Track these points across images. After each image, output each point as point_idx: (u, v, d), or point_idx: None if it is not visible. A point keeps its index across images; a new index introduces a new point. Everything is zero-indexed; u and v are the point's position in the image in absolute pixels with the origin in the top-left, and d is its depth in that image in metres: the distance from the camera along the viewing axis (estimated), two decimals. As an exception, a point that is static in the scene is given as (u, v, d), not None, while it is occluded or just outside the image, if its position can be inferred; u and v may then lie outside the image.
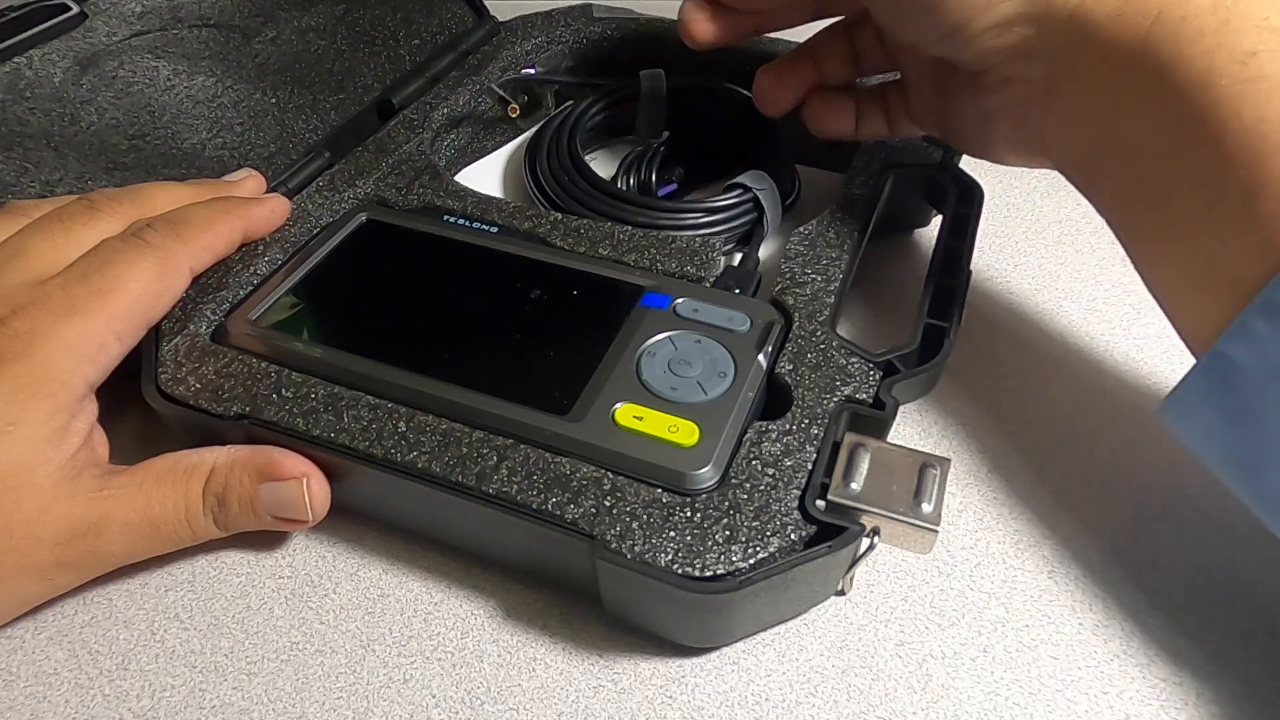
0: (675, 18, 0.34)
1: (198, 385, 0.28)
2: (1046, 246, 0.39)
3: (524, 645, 0.26)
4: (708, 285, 0.31)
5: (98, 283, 0.27)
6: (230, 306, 0.31)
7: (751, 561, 0.23)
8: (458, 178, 0.40)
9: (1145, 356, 0.34)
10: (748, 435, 0.26)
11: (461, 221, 0.35)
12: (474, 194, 0.36)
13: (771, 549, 0.23)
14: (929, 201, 0.37)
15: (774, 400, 0.28)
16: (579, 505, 0.24)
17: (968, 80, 0.29)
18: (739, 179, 0.36)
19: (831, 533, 0.23)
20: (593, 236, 0.33)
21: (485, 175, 0.43)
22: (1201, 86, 0.21)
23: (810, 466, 0.25)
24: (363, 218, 0.35)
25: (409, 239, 0.34)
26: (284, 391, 0.28)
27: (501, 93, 0.42)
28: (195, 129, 0.38)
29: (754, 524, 0.24)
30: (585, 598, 0.26)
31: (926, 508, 0.24)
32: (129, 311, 0.27)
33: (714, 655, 0.25)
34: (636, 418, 0.26)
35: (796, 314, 0.30)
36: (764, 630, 0.26)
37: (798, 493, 0.24)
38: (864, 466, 0.25)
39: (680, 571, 0.23)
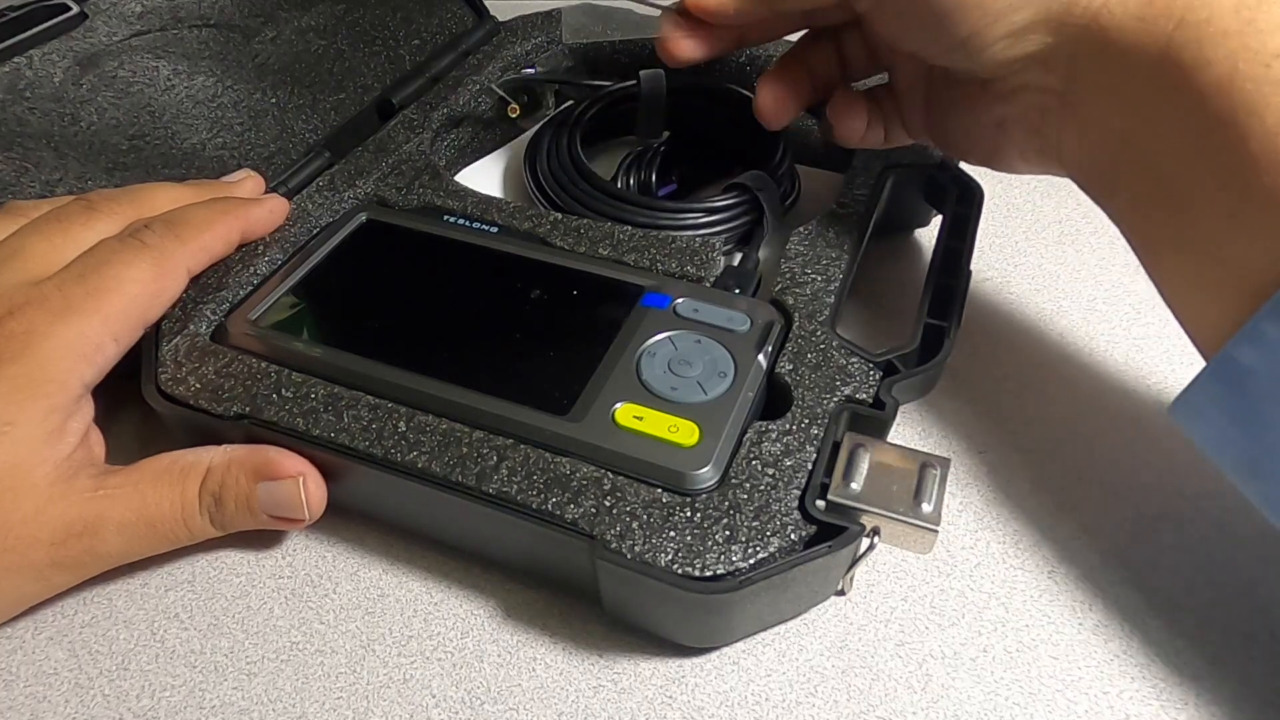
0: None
1: (198, 385, 0.28)
2: (1046, 246, 0.39)
3: (524, 645, 0.26)
4: (708, 285, 0.31)
5: (95, 283, 0.27)
6: (230, 306, 0.31)
7: (751, 561, 0.23)
8: (458, 178, 0.40)
9: (1145, 357, 0.34)
10: (748, 435, 0.26)
11: (461, 221, 0.35)
12: (474, 194, 0.36)
13: (771, 549, 0.23)
14: (929, 201, 0.37)
15: (774, 400, 0.28)
16: (579, 505, 0.24)
17: (975, 89, 0.28)
18: (739, 179, 0.36)
19: (831, 533, 0.23)
20: (593, 236, 0.33)
21: (485, 175, 0.43)
22: (1224, 90, 0.21)
23: (810, 466, 0.25)
24: (363, 218, 0.35)
25: (409, 239, 0.34)
26: (284, 391, 0.28)
27: (501, 93, 0.42)
28: (195, 129, 0.38)
29: (754, 524, 0.24)
30: (585, 598, 0.26)
31: (926, 508, 0.24)
32: (126, 312, 0.27)
33: (714, 655, 0.25)
34: (636, 418, 0.26)
35: (796, 314, 0.30)
36: (764, 630, 0.26)
37: (798, 493, 0.24)
38: (864, 466, 0.25)
39: (680, 571, 0.23)
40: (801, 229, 0.33)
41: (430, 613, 0.27)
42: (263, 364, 0.28)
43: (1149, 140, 0.23)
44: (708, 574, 0.23)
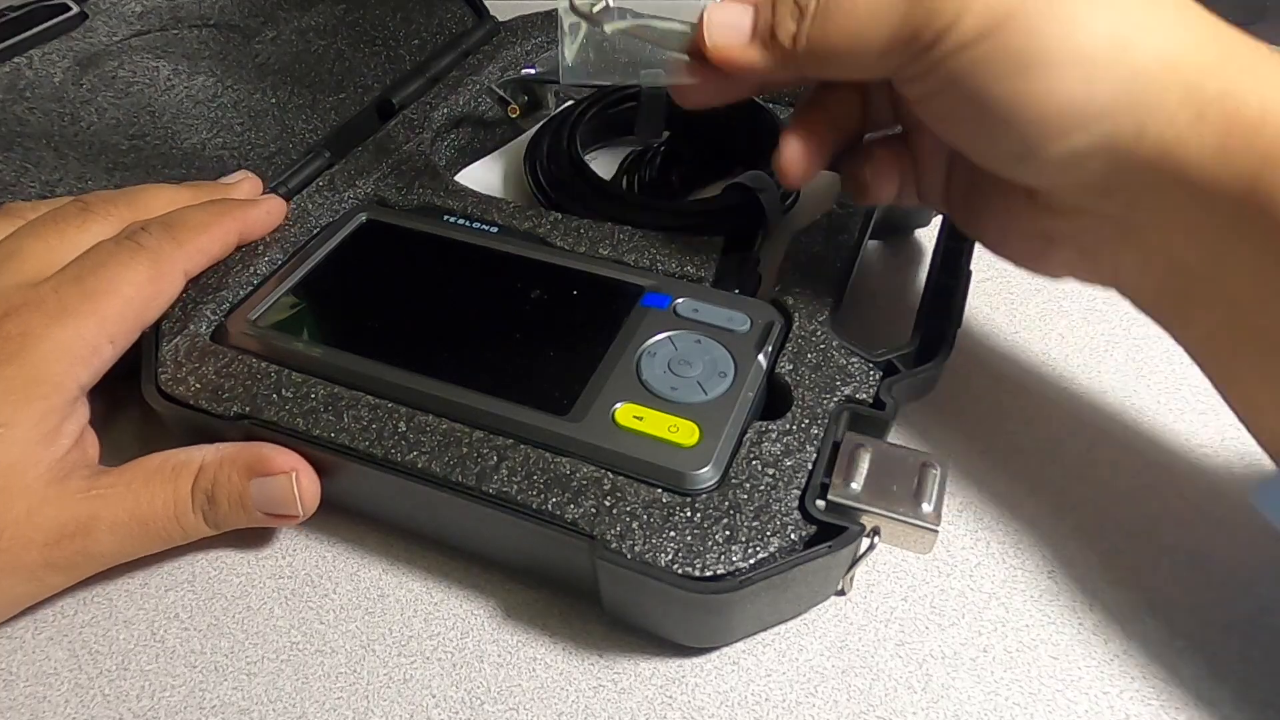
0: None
1: (198, 385, 0.28)
2: (1046, 246, 0.39)
3: (524, 645, 0.26)
4: (708, 285, 0.31)
5: (91, 285, 0.27)
6: (230, 306, 0.31)
7: (751, 561, 0.23)
8: (458, 178, 0.40)
9: (1145, 357, 0.34)
10: (748, 435, 0.26)
11: (461, 221, 0.35)
12: (474, 194, 0.36)
13: (771, 549, 0.23)
14: (929, 201, 0.37)
15: (774, 400, 0.28)
16: (579, 505, 0.24)
17: (1019, 193, 0.25)
18: (739, 179, 0.36)
19: (831, 533, 0.23)
20: (593, 236, 0.33)
21: (485, 175, 0.43)
22: None
23: (810, 466, 0.25)
24: (363, 218, 0.35)
25: (409, 239, 0.34)
26: (284, 391, 0.28)
27: (501, 93, 0.42)
28: (195, 129, 0.38)
29: (754, 524, 0.24)
30: (585, 598, 0.26)
31: (926, 508, 0.24)
32: (122, 314, 0.27)
33: (714, 655, 0.25)
34: (636, 418, 0.26)
35: (796, 314, 0.30)
36: (764, 630, 0.26)
37: (798, 493, 0.24)
38: (864, 466, 0.25)
39: (680, 571, 0.23)
40: (801, 229, 0.33)
41: (430, 613, 0.27)
42: (263, 364, 0.28)
43: (1228, 276, 0.21)
44: (708, 574, 0.23)
